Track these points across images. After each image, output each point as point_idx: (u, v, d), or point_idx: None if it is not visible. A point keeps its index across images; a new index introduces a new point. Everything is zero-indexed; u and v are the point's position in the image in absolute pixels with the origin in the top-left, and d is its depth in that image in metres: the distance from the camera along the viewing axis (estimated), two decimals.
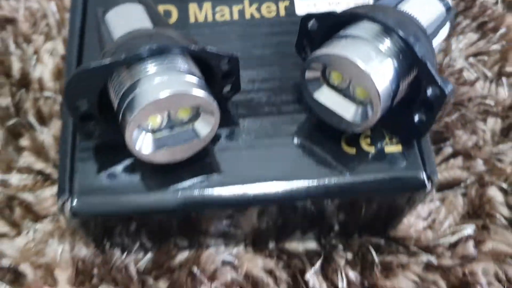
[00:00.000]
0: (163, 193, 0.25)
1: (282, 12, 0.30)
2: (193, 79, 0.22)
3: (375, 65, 0.22)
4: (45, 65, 0.34)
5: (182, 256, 0.30)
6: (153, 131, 0.23)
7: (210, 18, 0.30)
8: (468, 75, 0.35)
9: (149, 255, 0.30)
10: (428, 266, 0.30)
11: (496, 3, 0.38)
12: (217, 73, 0.24)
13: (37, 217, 0.31)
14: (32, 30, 0.35)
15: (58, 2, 0.37)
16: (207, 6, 0.30)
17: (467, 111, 0.34)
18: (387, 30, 0.23)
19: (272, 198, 0.25)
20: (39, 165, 0.32)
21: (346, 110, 0.24)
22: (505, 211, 0.32)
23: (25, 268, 0.29)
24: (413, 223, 0.31)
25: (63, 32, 0.36)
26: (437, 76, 0.22)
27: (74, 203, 0.24)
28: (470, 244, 0.30)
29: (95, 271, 0.29)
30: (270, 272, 0.30)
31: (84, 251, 0.29)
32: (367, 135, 0.26)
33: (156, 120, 0.22)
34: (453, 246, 0.31)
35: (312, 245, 0.31)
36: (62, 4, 0.36)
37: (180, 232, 0.29)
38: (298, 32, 0.26)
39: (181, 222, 0.28)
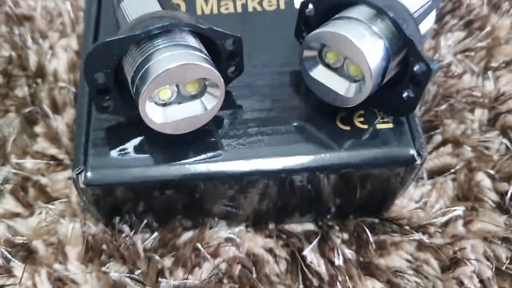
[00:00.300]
0: (169, 167, 0.26)
1: (282, 6, 0.32)
2: (201, 54, 0.24)
3: (368, 42, 0.24)
4: (60, 59, 0.37)
5: (187, 235, 0.32)
6: (164, 105, 0.25)
7: (215, 11, 0.32)
8: (456, 69, 0.37)
9: (155, 234, 0.32)
10: (420, 245, 0.32)
11: (482, 4, 0.40)
12: (222, 53, 0.26)
13: (50, 199, 0.33)
14: (48, 27, 0.38)
15: (73, 2, 0.39)
16: (212, 0, 0.32)
17: (455, 102, 0.36)
18: (379, 13, 0.25)
19: (271, 173, 0.27)
20: (52, 150, 0.34)
21: (340, 86, 0.26)
22: (493, 195, 0.33)
23: (37, 245, 0.31)
24: (406, 205, 0.33)
25: (77, 29, 0.38)
26: (423, 52, 0.24)
27: (88, 174, 0.26)
28: (460, 224, 0.32)
29: (104, 247, 0.31)
30: (270, 250, 0.32)
31: (94, 228, 0.31)
32: (360, 114, 0.28)
33: (167, 93, 0.25)
34: (444, 225, 0.32)
35: (310, 226, 0.33)
36: (76, 4, 0.39)
37: (185, 211, 0.31)
38: (297, 18, 0.28)
39: (186, 198, 0.29)
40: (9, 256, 0.30)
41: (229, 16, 0.32)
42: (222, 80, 0.24)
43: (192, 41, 0.24)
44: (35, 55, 0.37)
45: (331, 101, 0.27)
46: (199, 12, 0.32)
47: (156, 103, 0.25)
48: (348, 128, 0.28)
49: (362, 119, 0.28)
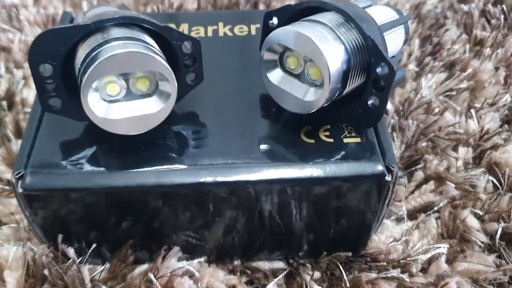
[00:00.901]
0: (117, 173, 0.24)
1: (253, 32, 0.32)
2: (151, 47, 0.23)
3: (328, 42, 0.23)
4: (32, 89, 0.36)
5: (141, 267, 0.29)
6: (111, 102, 0.23)
7: None
8: (438, 105, 0.36)
9: (106, 265, 0.29)
10: (400, 285, 0.28)
11: (464, 49, 0.40)
12: (179, 56, 0.25)
13: None
14: (24, 59, 0.38)
15: None
16: (184, 26, 0.32)
17: (437, 139, 0.34)
18: (344, 19, 0.24)
19: (230, 183, 0.25)
20: (8, 175, 0.32)
21: (298, 90, 0.25)
22: (481, 236, 0.30)
23: None
24: (384, 241, 0.30)
25: None
26: (385, 53, 0.23)
27: (27, 177, 0.24)
28: (443, 261, 0.28)
29: (46, 272, 0.28)
30: (232, 287, 0.29)
31: (36, 250, 0.28)
32: (326, 128, 0.26)
33: (114, 88, 0.23)
34: (426, 263, 0.29)
35: (279, 264, 0.30)
36: None
37: (139, 236, 0.28)
38: (261, 30, 0.27)
39: (139, 219, 0.27)
40: None
41: (200, 39, 0.31)
42: (172, 74, 0.23)
43: (145, 37, 0.24)
44: (6, 83, 0.36)
45: (290, 108, 0.25)
46: None
47: (104, 99, 0.23)
48: (312, 141, 0.26)
49: (328, 133, 0.26)
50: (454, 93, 0.37)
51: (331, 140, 0.26)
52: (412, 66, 0.39)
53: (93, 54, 0.22)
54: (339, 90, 0.24)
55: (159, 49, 0.24)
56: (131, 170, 0.24)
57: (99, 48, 0.22)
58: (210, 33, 0.32)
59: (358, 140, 0.26)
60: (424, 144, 0.34)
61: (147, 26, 0.24)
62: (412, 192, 0.33)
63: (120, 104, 0.23)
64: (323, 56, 0.23)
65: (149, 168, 0.25)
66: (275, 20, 0.27)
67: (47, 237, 0.28)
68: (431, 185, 0.32)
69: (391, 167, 0.25)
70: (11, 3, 0.40)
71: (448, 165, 0.33)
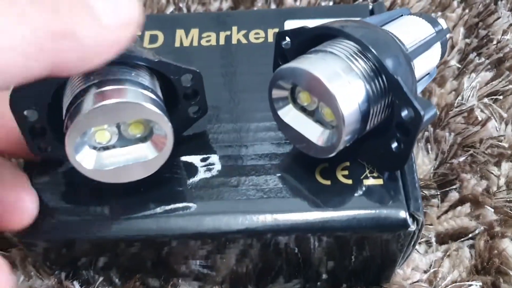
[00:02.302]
0: (122, 221, 0.23)
1: (271, 38, 0.29)
2: (144, 91, 0.20)
3: (342, 83, 0.20)
4: None
5: None
6: (101, 149, 0.21)
7: (195, 43, 0.29)
8: (481, 115, 0.32)
9: None
10: None
11: None
12: (178, 89, 0.22)
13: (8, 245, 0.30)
14: None
15: None
16: (194, 32, 0.29)
17: (477, 153, 0.30)
18: (362, 48, 0.21)
19: (240, 229, 0.23)
20: None
21: (312, 132, 0.22)
22: None
23: None
24: (410, 275, 0.28)
25: None
26: (411, 95, 0.20)
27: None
28: None
29: None
30: None
31: (40, 283, 0.27)
32: (345, 166, 0.24)
33: (104, 135, 0.21)
34: None
35: None
36: None
37: (148, 269, 0.27)
38: (274, 51, 0.24)
39: (148, 255, 0.25)
40: None
41: (210, 49, 0.29)
42: (169, 123, 0.20)
43: (138, 75, 0.21)
44: None
45: (304, 150, 0.22)
46: (177, 44, 0.29)
47: (93, 146, 0.21)
48: (328, 182, 0.23)
49: (346, 172, 0.23)
50: (500, 96, 0.32)
51: (350, 181, 0.23)
52: (453, 62, 0.34)
53: (78, 102, 0.20)
54: (359, 131, 0.21)
55: (153, 87, 0.21)
56: (132, 216, 0.23)
57: (84, 94, 0.20)
58: (222, 41, 0.29)
59: (380, 182, 0.23)
60: (461, 159, 0.30)
61: (142, 63, 0.21)
62: (445, 212, 0.30)
63: (111, 152, 0.21)
64: (335, 100, 0.19)
65: (152, 211, 0.23)
66: (288, 41, 0.23)
67: (52, 270, 0.27)
68: (466, 207, 0.29)
69: (416, 216, 0.22)
70: None
71: (488, 185, 0.30)
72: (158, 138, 0.21)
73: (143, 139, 0.21)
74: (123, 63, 0.21)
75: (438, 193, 0.30)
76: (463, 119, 0.32)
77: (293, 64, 0.21)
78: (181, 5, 0.38)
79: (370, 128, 0.21)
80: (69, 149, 0.20)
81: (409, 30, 0.23)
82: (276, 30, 0.29)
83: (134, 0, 0.17)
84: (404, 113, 0.20)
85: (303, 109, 0.22)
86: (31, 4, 0.15)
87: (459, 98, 0.33)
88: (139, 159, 0.21)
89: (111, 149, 0.21)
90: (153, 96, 0.20)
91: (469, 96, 0.33)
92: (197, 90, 0.23)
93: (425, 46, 0.23)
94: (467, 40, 0.35)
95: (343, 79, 0.20)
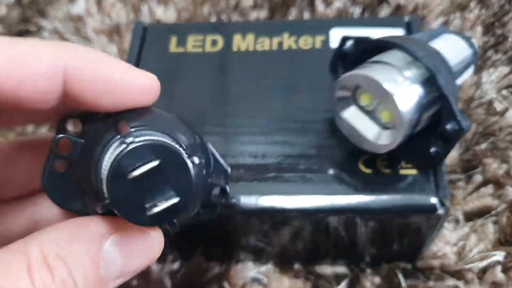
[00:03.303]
0: None
1: (318, 45, 0.32)
2: None
3: (401, 89, 0.23)
4: None
5: (213, 272, 0.32)
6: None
7: (251, 48, 0.33)
8: (500, 106, 0.35)
9: (183, 269, 0.32)
10: None
11: None
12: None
13: None
14: None
15: (118, 47, 0.42)
16: (249, 37, 0.33)
17: (497, 140, 0.34)
18: (416, 61, 0.24)
19: (294, 209, 0.26)
20: None
21: (370, 131, 0.25)
22: None
23: None
24: (441, 248, 0.31)
25: None
26: (457, 111, 0.23)
27: None
28: (499, 270, 0.30)
29: (135, 283, 0.31)
30: None
31: None
32: (384, 158, 0.27)
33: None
34: (482, 272, 0.30)
35: (340, 269, 0.32)
36: (121, 48, 0.41)
37: (213, 241, 0.31)
38: (334, 51, 0.28)
39: (212, 229, 0.29)
40: None
41: (264, 53, 0.32)
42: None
43: None
44: None
45: (359, 144, 0.26)
46: (235, 49, 0.33)
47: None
48: (369, 171, 0.27)
49: (385, 162, 0.27)
50: None
51: (388, 171, 0.27)
52: None
53: None
54: (409, 135, 0.25)
55: None
56: None
57: None
58: (275, 46, 0.32)
59: (414, 172, 0.27)
60: (483, 146, 0.34)
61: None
62: (470, 194, 0.34)
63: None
64: (396, 104, 0.23)
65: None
66: (350, 46, 0.27)
67: None
68: (489, 188, 0.33)
69: (443, 202, 0.26)
70: (77, 14, 0.42)
71: (508, 168, 0.33)
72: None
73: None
74: None
75: (464, 176, 0.34)
76: (483, 110, 0.35)
77: (359, 71, 0.24)
78: (223, 17, 0.42)
79: (414, 132, 0.25)
80: None
81: (451, 49, 0.26)
82: (323, 37, 0.32)
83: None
84: (449, 126, 0.24)
85: (361, 108, 0.26)
86: None
87: (479, 91, 0.36)
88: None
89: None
90: None
91: (488, 89, 0.36)
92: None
93: (465, 67, 0.26)
94: (485, 38, 0.39)
95: (402, 86, 0.23)
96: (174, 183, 0.18)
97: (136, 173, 0.17)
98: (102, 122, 0.19)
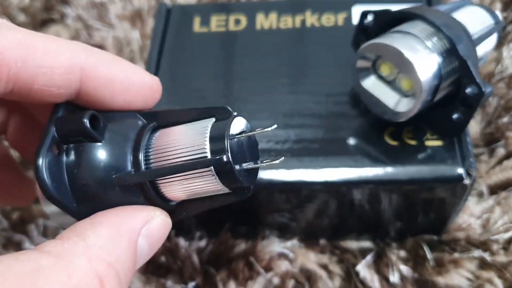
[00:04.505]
0: None
1: (340, 22, 0.33)
2: None
3: (421, 57, 0.24)
4: None
5: (240, 247, 0.33)
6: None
7: (274, 26, 0.33)
8: None
9: (210, 246, 0.33)
10: (482, 263, 0.30)
11: None
12: None
13: None
14: (118, 55, 0.41)
15: (141, 32, 0.42)
16: (272, 16, 0.34)
17: None
18: (436, 30, 0.25)
19: (319, 183, 0.27)
20: None
21: (390, 99, 0.26)
22: None
23: None
24: (466, 220, 0.32)
25: (144, 55, 0.41)
26: (476, 75, 0.24)
27: None
28: None
29: (163, 259, 0.32)
30: (324, 266, 0.32)
31: None
32: (409, 129, 0.28)
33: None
34: (507, 243, 0.31)
35: (365, 243, 0.33)
36: (144, 33, 0.42)
37: (239, 218, 0.32)
38: (356, 27, 0.28)
39: (238, 205, 0.29)
40: None
41: (288, 31, 0.33)
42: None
43: None
44: None
45: (379, 113, 0.27)
46: (258, 27, 0.33)
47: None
48: (396, 143, 0.27)
49: (411, 134, 0.28)
50: None
51: (414, 142, 0.27)
52: None
53: None
54: (429, 101, 0.25)
55: None
56: None
57: None
58: (298, 24, 0.33)
59: (439, 143, 0.27)
60: (505, 120, 0.34)
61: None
62: (493, 167, 0.34)
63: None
64: (416, 72, 0.24)
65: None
66: (370, 20, 0.28)
67: None
68: None
69: (470, 171, 0.26)
70: (100, 1, 0.43)
71: None
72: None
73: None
74: None
75: (486, 150, 0.34)
76: (504, 85, 0.35)
77: (379, 40, 0.25)
78: None
79: (435, 100, 0.25)
80: None
81: (472, 18, 0.27)
82: (345, 14, 0.33)
83: None
84: (469, 89, 0.24)
85: (381, 78, 0.27)
86: None
87: (500, 66, 0.37)
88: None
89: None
90: None
91: (509, 64, 0.36)
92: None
93: (486, 35, 0.27)
94: (504, 14, 0.39)
95: (422, 55, 0.24)
96: (250, 154, 0.20)
97: (241, 136, 0.19)
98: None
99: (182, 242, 0.33)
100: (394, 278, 0.31)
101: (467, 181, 0.26)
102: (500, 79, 0.36)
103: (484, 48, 0.28)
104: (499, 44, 0.38)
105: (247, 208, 0.30)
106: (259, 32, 0.33)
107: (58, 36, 0.23)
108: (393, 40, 0.25)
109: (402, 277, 0.31)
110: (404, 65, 0.24)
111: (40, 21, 0.45)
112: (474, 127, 0.34)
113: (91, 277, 0.16)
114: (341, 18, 0.33)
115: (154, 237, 0.19)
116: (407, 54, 0.24)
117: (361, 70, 0.27)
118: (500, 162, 0.34)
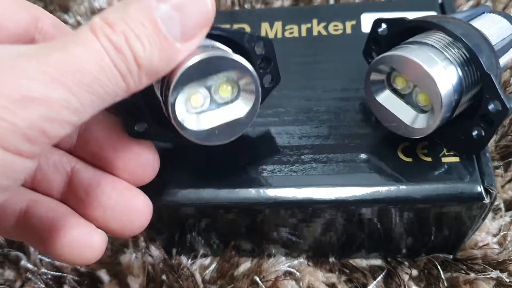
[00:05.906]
0: (218, 190, 0.26)
1: (348, 30, 0.31)
2: (229, 50, 0.22)
3: (440, 70, 0.22)
4: None
5: (245, 266, 0.31)
6: (198, 113, 0.23)
7: (279, 35, 0.32)
8: None
9: (213, 264, 0.31)
10: (499, 284, 0.29)
11: None
12: (253, 59, 0.24)
13: None
14: None
15: None
16: (277, 24, 0.32)
17: None
18: (455, 41, 0.23)
19: (329, 202, 0.25)
20: None
21: (406, 114, 0.24)
22: None
23: (102, 275, 0.32)
24: (482, 239, 0.30)
25: None
26: (500, 90, 0.22)
27: None
28: None
29: (164, 278, 0.31)
30: (332, 286, 0.30)
31: (154, 257, 0.31)
32: (424, 145, 0.26)
33: (198, 99, 0.23)
34: None
35: (376, 261, 0.31)
36: None
37: (245, 235, 0.30)
38: (368, 35, 0.27)
39: (243, 222, 0.29)
40: (76, 286, 0.31)
41: (293, 40, 0.31)
42: (255, 73, 0.22)
43: (218, 44, 0.23)
44: None
45: (394, 129, 0.25)
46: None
47: (188, 111, 0.23)
48: (409, 159, 0.26)
49: (425, 150, 0.26)
50: None
51: (429, 159, 0.26)
52: None
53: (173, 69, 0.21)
54: (448, 117, 0.24)
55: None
56: (233, 186, 0.26)
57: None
58: (304, 33, 0.32)
59: (457, 159, 0.25)
60: None
61: (217, 33, 0.23)
62: (509, 181, 0.32)
63: (207, 113, 0.23)
64: (436, 86, 0.22)
65: (251, 183, 0.26)
66: (383, 28, 0.26)
67: (162, 244, 0.31)
68: None
69: (490, 189, 0.25)
70: (99, 8, 0.42)
71: None
72: (246, 94, 0.23)
73: (232, 101, 0.23)
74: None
75: (502, 164, 0.33)
76: None
77: (395, 52, 0.23)
78: (246, 6, 0.41)
79: (454, 115, 0.24)
80: (172, 112, 0.22)
81: (493, 27, 0.25)
82: (353, 22, 0.31)
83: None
84: (491, 106, 0.22)
85: (396, 92, 0.25)
86: None
87: None
88: (233, 116, 0.23)
89: (206, 111, 0.23)
90: (235, 53, 0.22)
91: None
92: (269, 58, 0.25)
93: (508, 45, 0.25)
94: None
95: (441, 68, 0.22)
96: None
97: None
98: None
99: (184, 260, 0.31)
100: None
101: (487, 200, 0.25)
102: None
103: (505, 58, 0.26)
104: None
105: (254, 225, 0.29)
106: None
107: None
108: (409, 51, 0.23)
109: None
110: (422, 78, 0.22)
111: None
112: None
113: (99, 23, 0.17)
114: (349, 26, 0.31)
115: (183, 7, 0.19)
116: (426, 66, 0.22)
117: (374, 84, 0.25)
118: None
